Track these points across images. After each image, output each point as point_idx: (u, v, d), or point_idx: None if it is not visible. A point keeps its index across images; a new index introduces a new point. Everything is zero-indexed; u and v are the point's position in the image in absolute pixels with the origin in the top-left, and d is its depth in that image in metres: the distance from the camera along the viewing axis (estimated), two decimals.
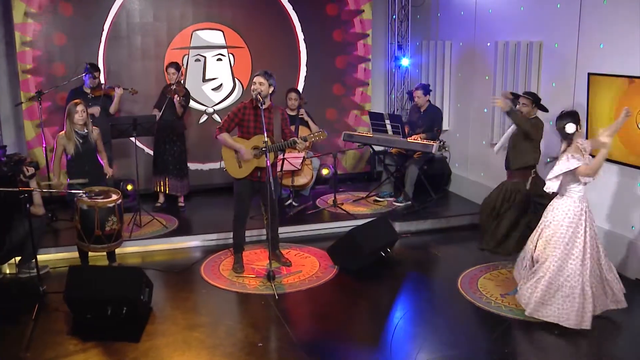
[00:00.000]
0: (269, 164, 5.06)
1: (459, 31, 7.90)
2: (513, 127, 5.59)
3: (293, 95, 7.31)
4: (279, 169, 6.44)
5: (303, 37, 8.43)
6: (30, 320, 4.70)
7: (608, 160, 4.99)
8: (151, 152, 7.53)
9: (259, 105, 5.10)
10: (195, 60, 8.02)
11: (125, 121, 6.43)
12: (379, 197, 7.63)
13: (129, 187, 7.32)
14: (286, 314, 4.87)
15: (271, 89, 5.27)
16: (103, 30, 7.55)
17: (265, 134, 5.09)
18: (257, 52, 8.20)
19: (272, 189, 5.16)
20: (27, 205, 4.78)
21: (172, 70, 6.97)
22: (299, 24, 8.37)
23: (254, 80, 5.20)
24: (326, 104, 8.63)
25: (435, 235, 6.82)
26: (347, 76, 8.74)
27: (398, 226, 6.61)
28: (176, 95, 6.86)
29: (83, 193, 5.23)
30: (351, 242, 5.68)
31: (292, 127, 6.72)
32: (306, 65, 8.51)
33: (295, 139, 5.29)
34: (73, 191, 5.25)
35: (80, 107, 5.51)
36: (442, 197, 7.83)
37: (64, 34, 7.42)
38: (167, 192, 7.27)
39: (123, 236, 5.64)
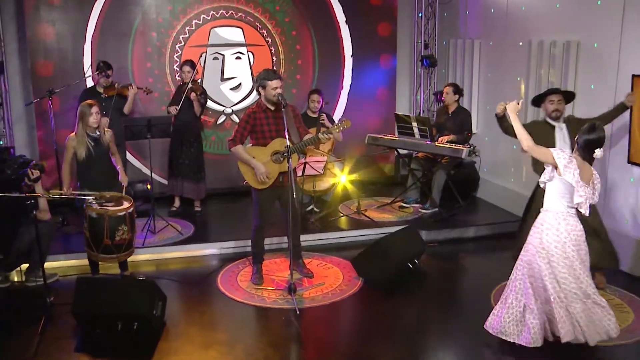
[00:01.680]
0: (291, 169, 4.77)
1: (489, 29, 7.60)
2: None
3: (315, 96, 7.01)
4: (299, 173, 6.21)
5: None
6: (36, 334, 4.44)
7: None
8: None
9: (282, 106, 4.83)
10: (213, 59, 7.82)
11: (139, 122, 6.19)
12: (405, 204, 7.39)
13: (148, 187, 7.02)
14: (308, 331, 4.59)
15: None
16: (117, 27, 7.39)
17: (287, 137, 4.83)
18: (278, 51, 8.00)
19: (295, 195, 4.85)
20: (33, 211, 4.53)
21: (187, 68, 6.74)
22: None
23: (273, 85, 4.93)
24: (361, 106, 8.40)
25: (463, 244, 6.55)
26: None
27: (425, 234, 6.34)
28: (193, 94, 6.62)
29: (93, 199, 4.99)
30: (378, 253, 5.43)
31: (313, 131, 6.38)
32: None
33: (320, 135, 5.01)
34: (82, 197, 5.03)
35: (95, 109, 5.25)
36: (470, 203, 7.54)
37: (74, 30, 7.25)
38: (182, 195, 7.09)
39: (134, 246, 5.38)
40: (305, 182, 6.71)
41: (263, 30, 7.88)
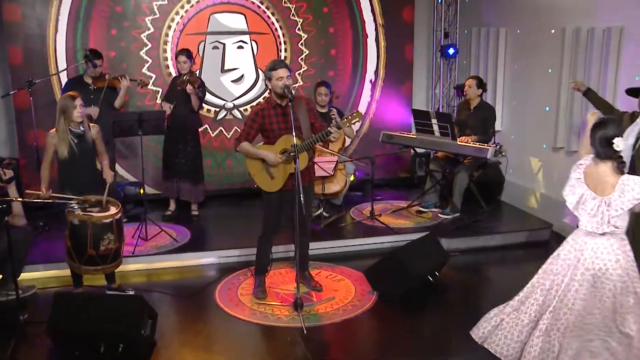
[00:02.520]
0: (298, 169, 4.51)
1: (517, 16, 7.30)
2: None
3: (322, 89, 6.79)
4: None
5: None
6: (5, 357, 4.13)
7: None
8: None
9: (289, 100, 4.58)
10: (212, 48, 7.60)
11: (129, 117, 5.93)
12: (423, 208, 7.14)
13: (142, 191, 6.84)
14: (317, 353, 4.28)
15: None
16: (104, 11, 7.16)
17: (294, 133, 4.57)
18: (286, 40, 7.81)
19: (303, 199, 4.57)
20: (5, 217, 4.26)
21: (182, 58, 6.45)
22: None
23: (279, 75, 4.69)
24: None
25: (488, 254, 6.28)
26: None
27: (445, 243, 6.07)
28: (190, 86, 6.36)
29: (75, 204, 4.69)
30: (394, 264, 5.14)
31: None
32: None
33: (329, 129, 4.75)
34: (62, 201, 4.72)
35: (78, 101, 4.92)
36: (495, 208, 7.28)
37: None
38: (178, 198, 6.87)
39: (122, 256, 5.07)
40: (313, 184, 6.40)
41: (268, 17, 7.70)
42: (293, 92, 4.63)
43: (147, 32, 7.32)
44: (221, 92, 7.71)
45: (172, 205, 6.99)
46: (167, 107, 6.53)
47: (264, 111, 4.85)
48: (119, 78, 6.37)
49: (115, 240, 4.76)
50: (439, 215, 6.96)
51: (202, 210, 7.10)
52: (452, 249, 6.16)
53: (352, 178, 7.47)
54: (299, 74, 7.84)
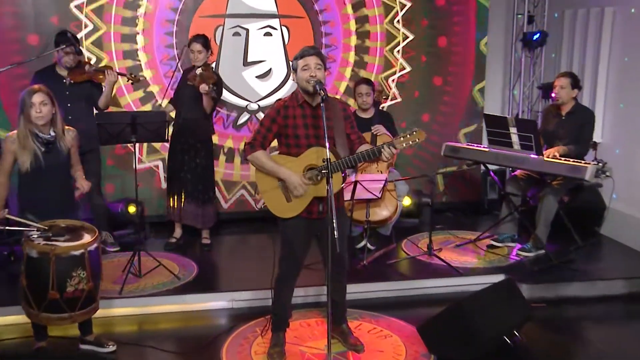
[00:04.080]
0: (332, 193, 4.07)
1: None
2: None
3: (363, 88, 6.57)
4: (347, 197, 5.76)
5: None
6: None
7: None
8: None
9: (321, 98, 4.22)
10: (233, 35, 7.49)
11: (119, 119, 5.67)
12: (496, 242, 6.88)
13: (131, 209, 6.79)
14: None
15: (326, 73, 4.56)
16: None
17: (327, 145, 4.15)
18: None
19: (337, 233, 4.10)
20: None
21: (197, 46, 6.27)
22: None
23: (306, 64, 4.41)
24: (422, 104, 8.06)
25: (586, 307, 5.91)
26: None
27: (527, 290, 5.79)
28: (204, 84, 6.15)
29: (35, 230, 4.36)
30: (460, 319, 4.80)
31: (368, 139, 6.24)
32: None
33: (383, 145, 4.43)
34: (19, 228, 4.38)
35: (38, 97, 4.56)
36: (593, 244, 7.04)
37: None
38: (182, 222, 6.78)
39: (98, 299, 4.70)
40: (355, 209, 6.38)
41: None
42: (321, 91, 4.29)
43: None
44: (243, 90, 7.60)
45: (178, 231, 6.85)
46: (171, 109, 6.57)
47: (288, 110, 4.49)
48: (104, 71, 6.19)
49: (88, 279, 4.40)
50: (518, 252, 6.70)
51: (215, 237, 6.99)
52: (536, 298, 5.88)
53: (408, 202, 7.39)
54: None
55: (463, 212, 8.16)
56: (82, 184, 4.83)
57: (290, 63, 4.57)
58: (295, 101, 4.47)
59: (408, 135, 4.46)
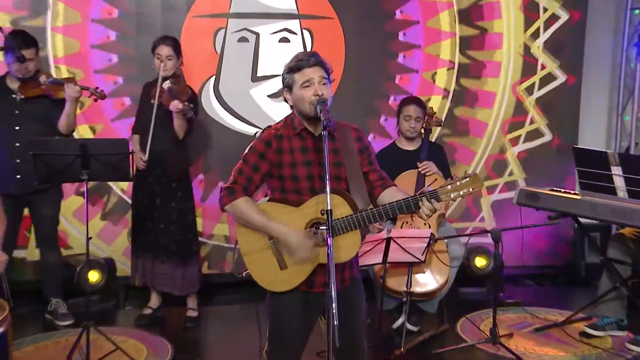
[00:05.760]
0: (331, 256, 3.55)
1: None
2: None
3: (412, 109, 6.22)
4: (376, 259, 5.54)
5: None
6: None
7: None
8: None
9: (324, 124, 3.78)
10: (238, 40, 7.23)
11: (64, 148, 5.32)
12: (593, 329, 6.26)
13: (92, 277, 6.45)
14: None
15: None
16: None
17: (328, 188, 3.69)
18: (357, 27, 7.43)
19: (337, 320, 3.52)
20: None
21: (166, 50, 6.09)
22: None
23: (307, 79, 3.96)
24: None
25: None
26: None
27: None
28: (175, 100, 5.84)
29: None
30: None
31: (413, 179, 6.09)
32: None
33: (421, 195, 3.95)
34: None
35: None
36: None
37: None
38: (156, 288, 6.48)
39: None
40: (390, 275, 5.91)
41: None
42: (326, 114, 3.84)
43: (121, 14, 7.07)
44: (251, 112, 7.37)
45: (154, 299, 6.49)
46: (136, 142, 6.28)
47: (282, 141, 4.03)
48: (64, 83, 5.89)
49: None
50: (627, 345, 6.11)
51: (206, 308, 6.66)
52: None
53: (483, 262, 7.19)
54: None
55: (549, 281, 7.82)
56: None
57: (281, 78, 4.12)
58: (291, 129, 4.00)
59: (459, 183, 3.91)
